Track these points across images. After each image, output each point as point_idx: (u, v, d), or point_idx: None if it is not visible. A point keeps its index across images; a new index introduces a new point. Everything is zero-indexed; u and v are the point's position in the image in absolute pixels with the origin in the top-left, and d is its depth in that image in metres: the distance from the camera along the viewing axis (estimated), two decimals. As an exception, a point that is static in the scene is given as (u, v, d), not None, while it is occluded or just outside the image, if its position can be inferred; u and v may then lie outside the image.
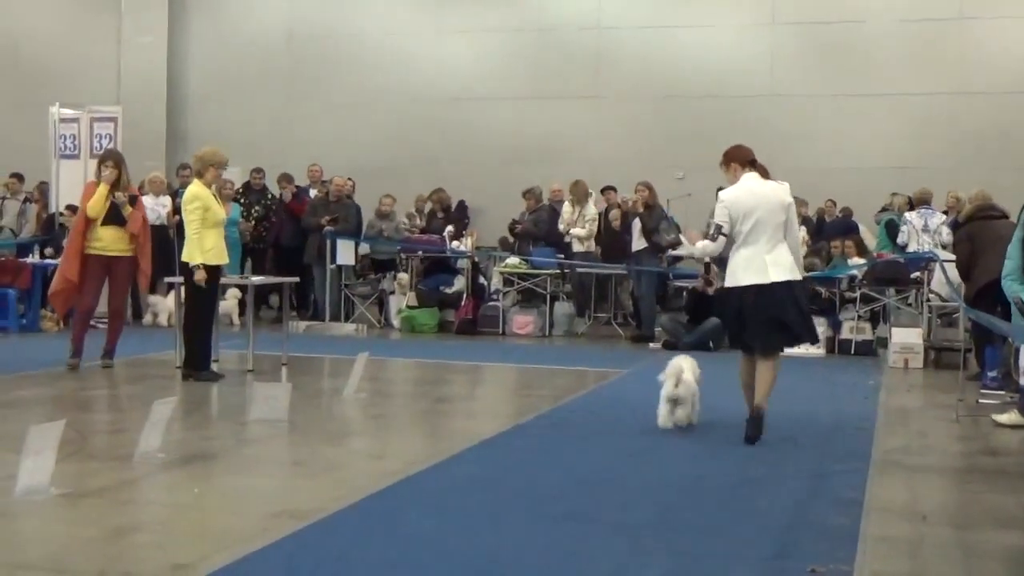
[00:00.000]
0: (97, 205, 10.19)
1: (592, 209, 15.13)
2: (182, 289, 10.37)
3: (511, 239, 16.08)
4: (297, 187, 16.54)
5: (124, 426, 7.61)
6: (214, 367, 10.22)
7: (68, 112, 16.20)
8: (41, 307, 14.39)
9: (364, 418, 8.40)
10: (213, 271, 9.87)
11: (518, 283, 15.29)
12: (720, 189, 7.80)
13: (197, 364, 9.84)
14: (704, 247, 7.73)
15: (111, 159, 10.58)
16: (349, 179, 16.28)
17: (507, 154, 18.66)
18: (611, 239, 15.16)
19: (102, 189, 10.23)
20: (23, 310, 14.19)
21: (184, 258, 9.83)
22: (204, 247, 9.77)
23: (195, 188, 9.90)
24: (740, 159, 7.69)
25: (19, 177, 17.04)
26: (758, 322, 7.39)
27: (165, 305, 14.50)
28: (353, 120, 19.63)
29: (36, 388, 9.33)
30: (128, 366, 10.81)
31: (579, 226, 15.02)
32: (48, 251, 14.74)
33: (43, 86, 19.47)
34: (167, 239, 14.54)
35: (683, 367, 7.76)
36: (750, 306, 7.41)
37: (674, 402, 7.75)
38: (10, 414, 8.02)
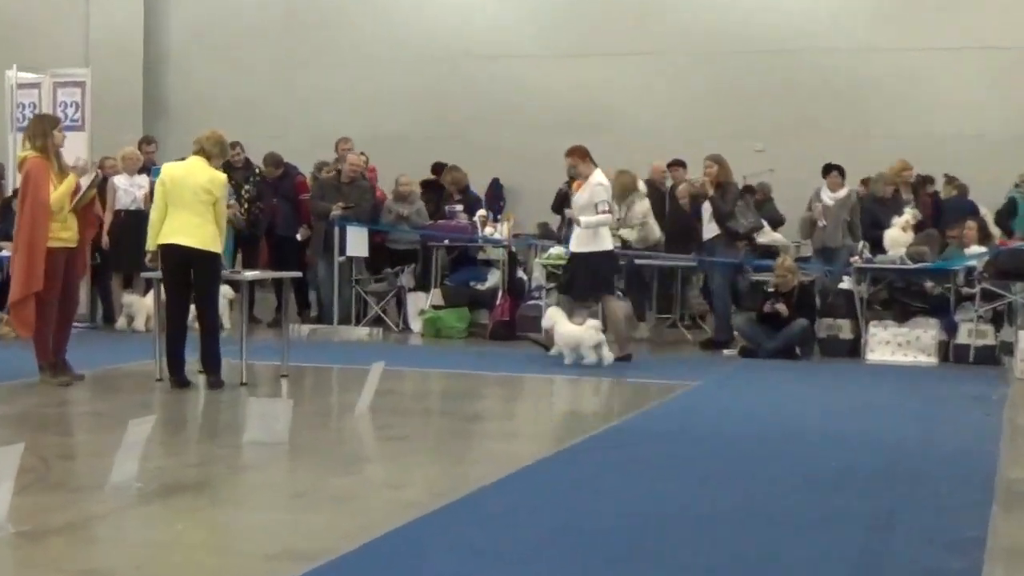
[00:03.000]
0: (68, 190, 10.33)
1: (642, 206, 14.98)
2: (160, 287, 10.62)
3: (557, 225, 16.02)
4: (287, 165, 16.57)
5: (94, 450, 7.65)
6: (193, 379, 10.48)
7: (27, 76, 16.23)
8: (-1, 309, 14.46)
9: (380, 440, 8.46)
10: None
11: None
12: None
13: (217, 367, 10.32)
14: (606, 219, 12.52)
15: (59, 126, 10.70)
16: (362, 154, 16.29)
17: (549, 122, 18.58)
18: (677, 224, 15.05)
19: (72, 179, 10.38)
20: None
21: (213, 248, 10.15)
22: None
23: (217, 172, 10.31)
24: (589, 155, 12.54)
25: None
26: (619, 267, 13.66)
27: (143, 306, 14.50)
28: (365, 83, 19.65)
29: (-9, 405, 9.38)
30: (99, 379, 10.85)
31: (627, 226, 14.96)
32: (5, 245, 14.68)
33: (-1, 46, 19.62)
34: (144, 226, 14.56)
35: (559, 317, 12.32)
36: (619, 263, 13.53)
37: (599, 346, 12.02)
38: (-41, 436, 7.96)
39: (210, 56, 20.35)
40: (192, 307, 10.51)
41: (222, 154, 10.51)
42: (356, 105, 19.48)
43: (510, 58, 19.17)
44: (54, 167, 10.32)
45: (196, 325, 10.42)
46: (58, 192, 10.27)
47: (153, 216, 10.41)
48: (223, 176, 10.43)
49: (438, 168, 17.09)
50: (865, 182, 15.54)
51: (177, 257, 10.19)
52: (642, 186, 15.28)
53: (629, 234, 14.92)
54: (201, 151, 10.31)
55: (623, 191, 14.87)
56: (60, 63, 17.21)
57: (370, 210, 15.69)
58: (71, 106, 15.94)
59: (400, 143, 18.29)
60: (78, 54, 19.67)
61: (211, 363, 10.31)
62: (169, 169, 10.51)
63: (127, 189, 15.23)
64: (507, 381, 11.66)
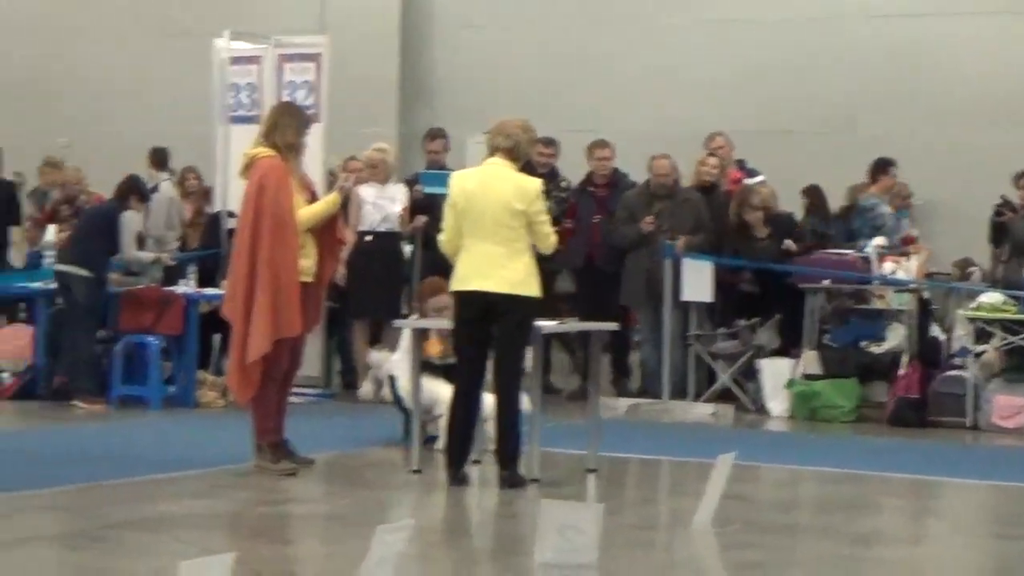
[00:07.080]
0: (328, 212, 10.93)
1: None
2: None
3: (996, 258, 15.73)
4: (615, 172, 16.50)
5: (328, 566, 7.89)
6: (474, 471, 10.64)
7: (243, 47, 16.73)
8: (201, 367, 14.94)
9: (727, 568, 8.54)
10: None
11: (1003, 338, 15.00)
12: None
13: (515, 456, 10.36)
14: None
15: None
16: (714, 154, 16.31)
17: (982, 108, 18.22)
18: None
19: (336, 197, 11.00)
20: (170, 371, 14.72)
21: (526, 290, 10.26)
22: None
23: (526, 179, 10.49)
24: None
25: (160, 156, 17.63)
26: None
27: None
28: (704, 55, 19.53)
29: (190, 500, 9.74)
30: (334, 467, 11.23)
31: None
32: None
33: (206, 7, 20.29)
34: (400, 256, 15.15)
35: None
36: None
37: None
38: (151, 540, 8.39)
39: (491, 22, 20.43)
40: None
41: (528, 151, 10.69)
42: (691, 90, 19.31)
43: (916, 19, 18.83)
44: (295, 176, 10.81)
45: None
46: (313, 209, 10.80)
47: (444, 248, 10.61)
48: (535, 183, 10.47)
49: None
50: None
51: (476, 309, 10.34)
52: None
53: None
54: (502, 150, 10.36)
55: None
56: (288, 30, 17.55)
57: (715, 235, 15.72)
58: (301, 87, 16.23)
59: (761, 144, 18.05)
60: (311, 18, 20.06)
61: (509, 450, 10.37)
62: (460, 180, 10.63)
63: (375, 203, 15.47)
64: (915, 487, 11.57)
